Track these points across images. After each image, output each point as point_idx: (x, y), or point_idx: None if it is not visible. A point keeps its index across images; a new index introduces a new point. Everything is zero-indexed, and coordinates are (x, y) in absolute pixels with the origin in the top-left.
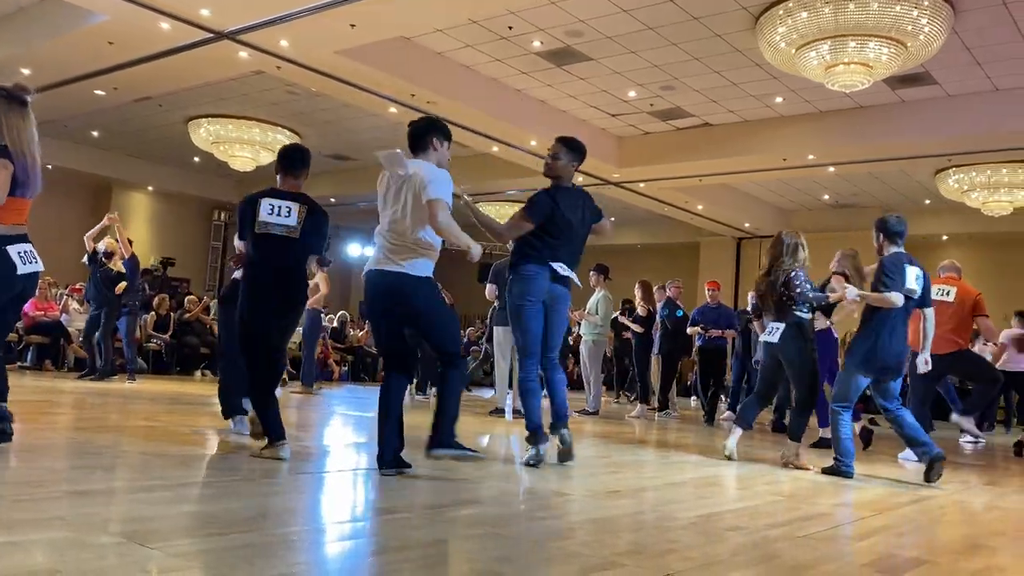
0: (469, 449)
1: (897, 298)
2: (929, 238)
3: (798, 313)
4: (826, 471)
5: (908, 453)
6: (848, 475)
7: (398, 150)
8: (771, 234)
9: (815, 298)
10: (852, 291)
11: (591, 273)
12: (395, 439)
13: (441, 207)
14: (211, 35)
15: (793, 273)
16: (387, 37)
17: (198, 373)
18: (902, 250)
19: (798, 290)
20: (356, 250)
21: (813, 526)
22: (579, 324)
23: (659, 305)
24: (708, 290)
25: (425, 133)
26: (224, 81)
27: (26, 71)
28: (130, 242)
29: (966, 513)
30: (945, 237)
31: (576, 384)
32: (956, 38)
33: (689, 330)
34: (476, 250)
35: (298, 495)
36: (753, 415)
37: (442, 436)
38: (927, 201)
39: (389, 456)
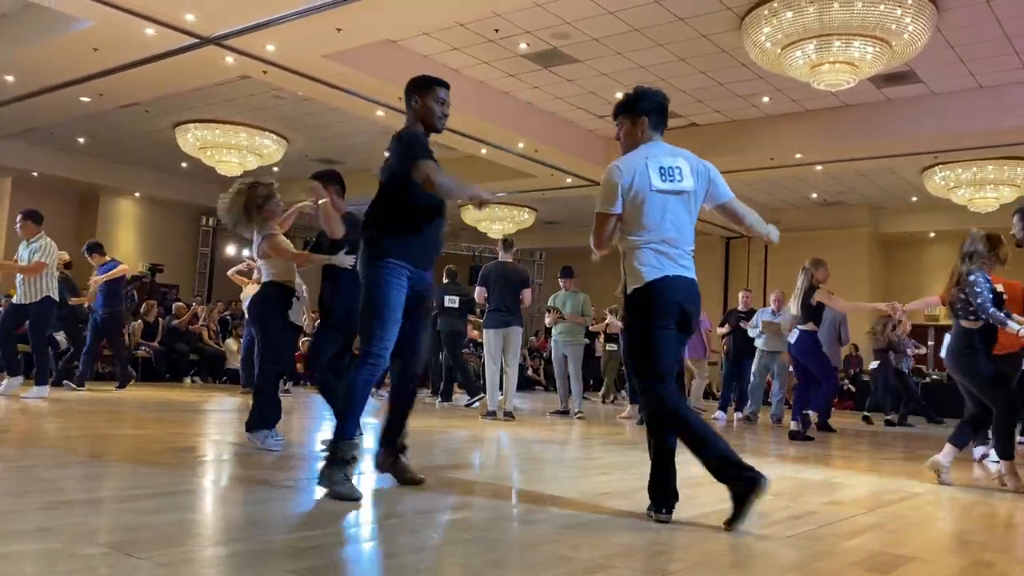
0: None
1: None
2: (916, 235)
3: (962, 322)
4: None
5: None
6: None
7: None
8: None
9: (993, 318)
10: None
11: (561, 280)
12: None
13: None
14: (196, 40)
15: (972, 277)
16: (373, 40)
17: (187, 380)
18: None
19: (978, 300)
20: None
21: (803, 525)
22: (555, 325)
23: None
24: None
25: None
26: (210, 86)
27: (10, 78)
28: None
29: (955, 510)
30: (932, 234)
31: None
32: (940, 36)
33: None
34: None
35: (287, 502)
36: (966, 437)
37: None
38: (914, 199)
39: (673, 499)
